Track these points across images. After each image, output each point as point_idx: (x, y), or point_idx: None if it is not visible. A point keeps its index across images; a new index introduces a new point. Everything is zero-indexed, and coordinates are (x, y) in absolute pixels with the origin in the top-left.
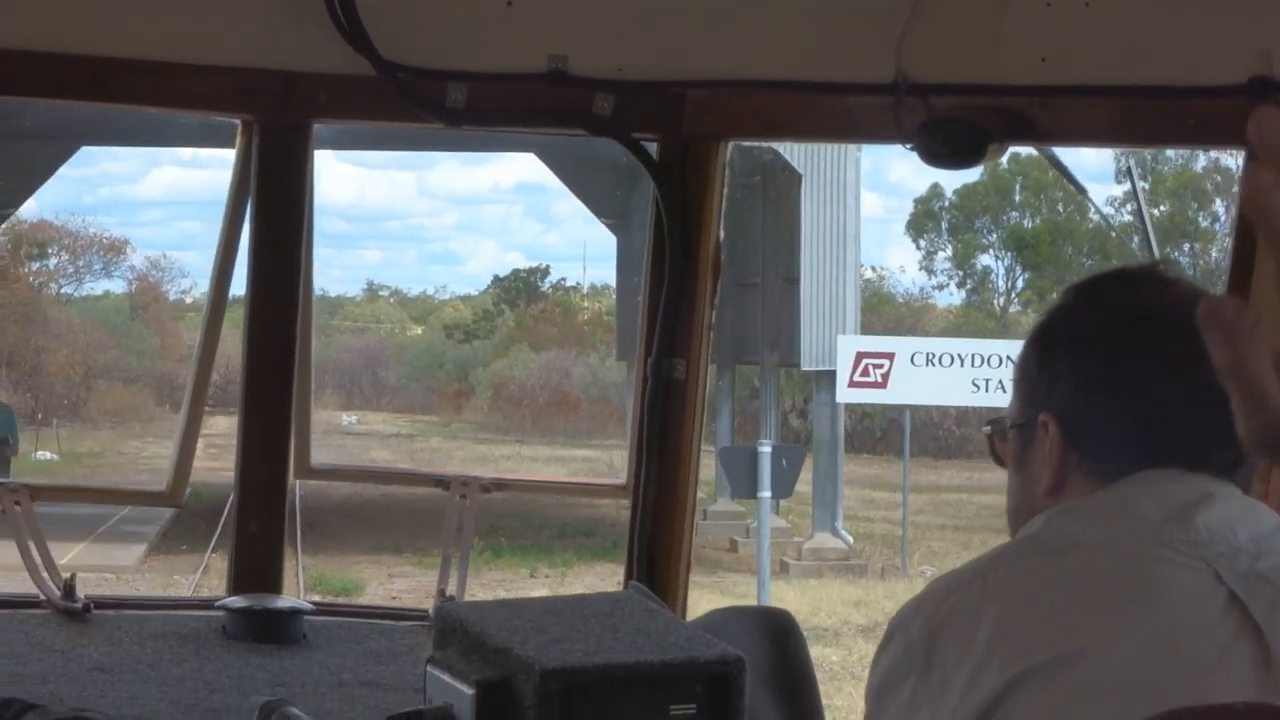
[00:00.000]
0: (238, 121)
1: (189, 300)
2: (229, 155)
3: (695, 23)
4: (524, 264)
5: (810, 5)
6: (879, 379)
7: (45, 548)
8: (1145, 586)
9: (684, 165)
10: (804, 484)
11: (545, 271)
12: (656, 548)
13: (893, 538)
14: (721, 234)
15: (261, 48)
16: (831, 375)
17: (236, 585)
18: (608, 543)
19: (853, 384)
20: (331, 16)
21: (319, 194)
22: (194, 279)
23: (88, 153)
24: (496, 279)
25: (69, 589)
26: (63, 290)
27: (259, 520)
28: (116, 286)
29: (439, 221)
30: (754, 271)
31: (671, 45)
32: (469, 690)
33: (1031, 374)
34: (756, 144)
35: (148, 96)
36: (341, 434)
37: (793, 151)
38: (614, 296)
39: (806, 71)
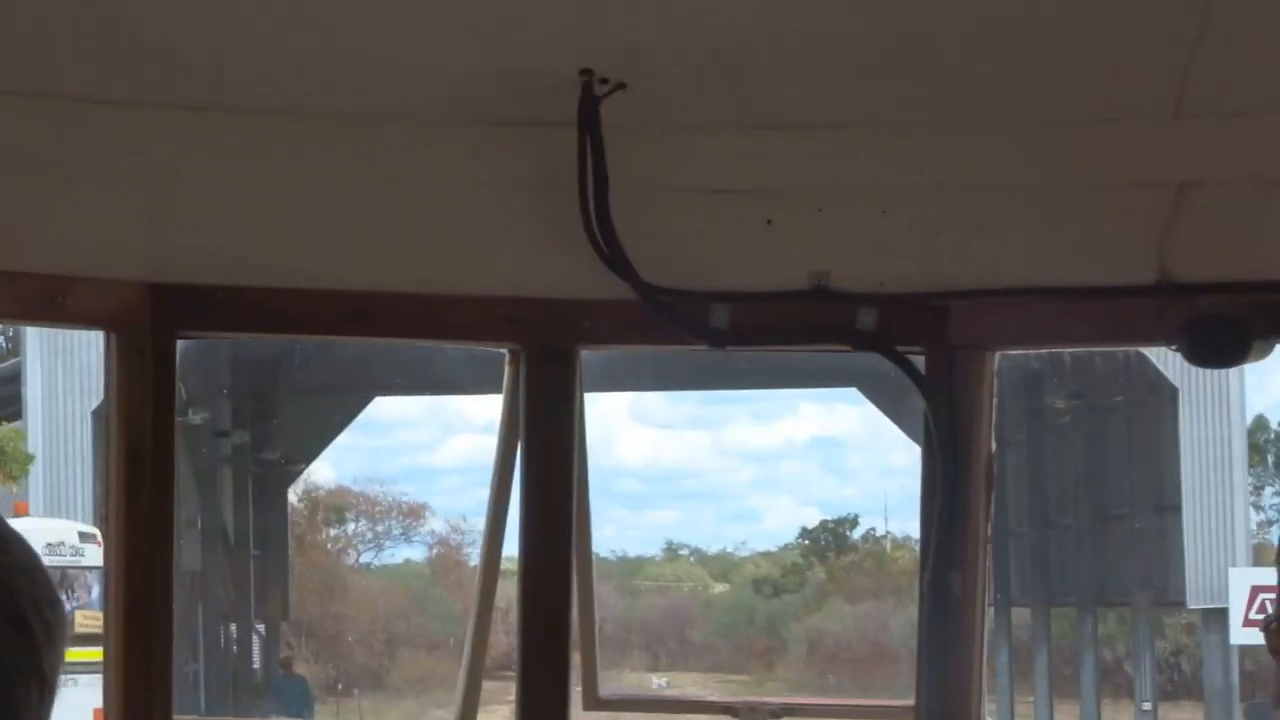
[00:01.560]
0: (505, 352)
1: None
2: None
3: (955, 233)
4: (821, 518)
5: (1070, 211)
6: None
7: None
8: None
9: (950, 375)
10: None
11: (854, 522)
12: None
13: None
14: (994, 445)
15: (523, 276)
16: (1222, 614)
17: None
18: None
19: (1248, 623)
20: (591, 243)
21: (616, 456)
22: None
23: (381, 411)
24: (804, 530)
25: None
26: (361, 559)
27: None
28: (416, 553)
29: (735, 479)
30: (1118, 502)
31: (932, 257)
32: None
33: None
34: (1024, 353)
35: (412, 329)
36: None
37: (1165, 361)
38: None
39: (1069, 277)
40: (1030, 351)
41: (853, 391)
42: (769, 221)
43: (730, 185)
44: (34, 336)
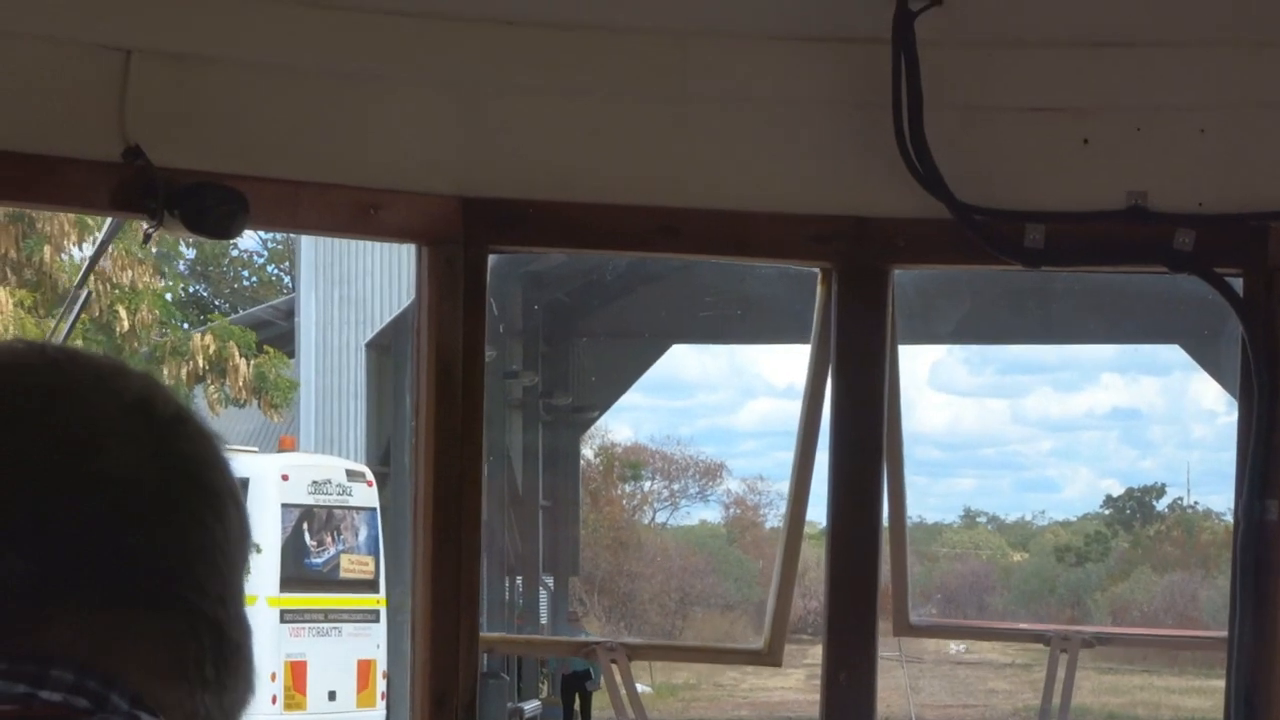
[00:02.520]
0: (817, 270)
1: None
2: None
3: (1276, 153)
4: (1126, 486)
5: None
6: None
7: (639, 702)
8: None
9: (1270, 298)
10: None
11: (1161, 491)
12: (1256, 695)
13: None
14: None
15: (835, 193)
16: None
17: None
18: None
19: None
20: (905, 160)
21: (915, 422)
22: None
23: (678, 364)
24: (1109, 499)
25: None
26: (657, 518)
27: (848, 670)
28: (713, 514)
29: (1034, 448)
30: None
31: (1252, 176)
32: None
33: None
34: None
35: (722, 246)
36: (951, 663)
37: None
38: (1225, 519)
39: None
40: None
41: (1175, 349)
42: (1085, 141)
43: (1046, 104)
44: (308, 266)
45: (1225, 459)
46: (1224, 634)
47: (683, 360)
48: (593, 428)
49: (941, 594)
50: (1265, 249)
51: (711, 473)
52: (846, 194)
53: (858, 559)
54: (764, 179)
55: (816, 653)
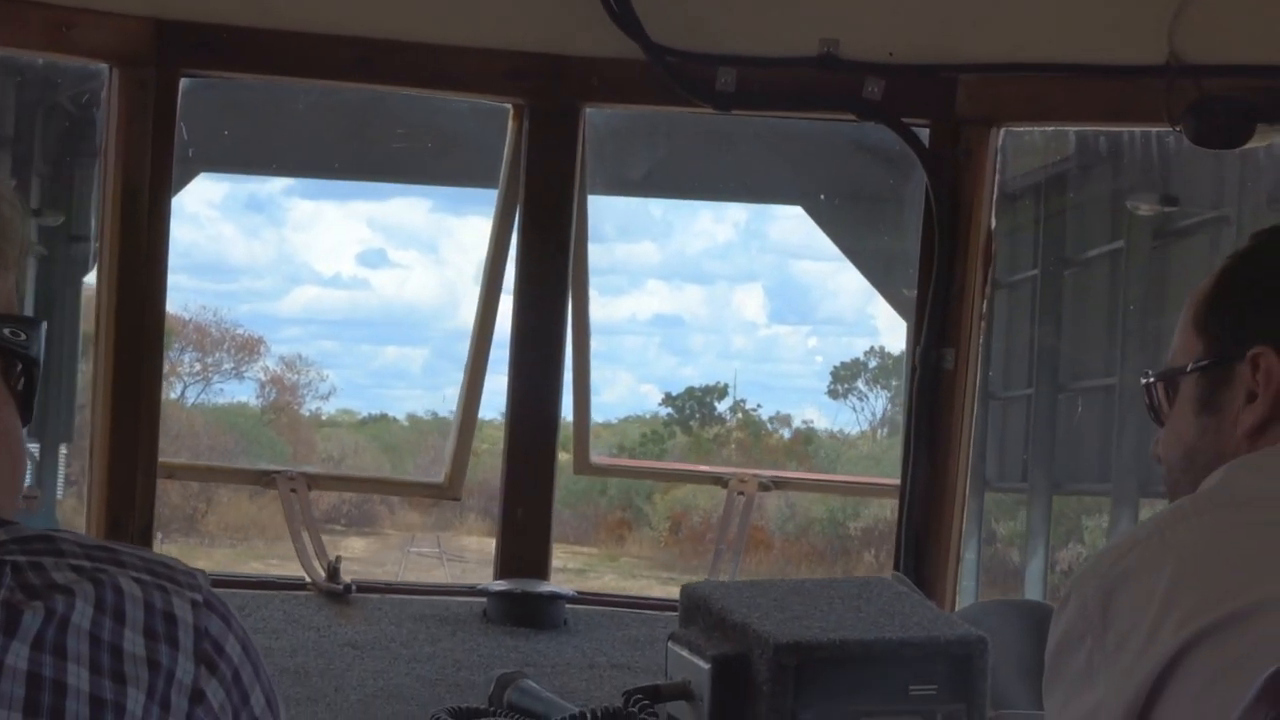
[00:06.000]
0: (509, 106)
1: (324, 416)
2: (369, 275)
3: (967, 6)
4: (687, 385)
5: None
6: None
7: (316, 533)
8: None
9: (954, 150)
10: None
11: (723, 392)
12: (925, 539)
13: None
14: (993, 222)
15: (531, 30)
16: None
17: (502, 571)
18: None
19: None
20: None
21: (460, 321)
22: (333, 384)
23: (206, 196)
24: (668, 396)
25: (333, 571)
26: (187, 393)
27: (525, 507)
28: (248, 393)
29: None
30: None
31: (943, 28)
32: (705, 665)
33: (1233, 309)
34: (1029, 129)
35: (417, 79)
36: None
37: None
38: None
39: (1079, 54)
40: (1033, 128)
41: (797, 210)
42: None
43: None
44: None
45: (766, 370)
46: (896, 481)
47: (221, 224)
48: None
49: (482, 492)
50: (953, 101)
51: (249, 347)
52: (542, 31)
53: (539, 400)
54: (459, 12)
55: (349, 545)
